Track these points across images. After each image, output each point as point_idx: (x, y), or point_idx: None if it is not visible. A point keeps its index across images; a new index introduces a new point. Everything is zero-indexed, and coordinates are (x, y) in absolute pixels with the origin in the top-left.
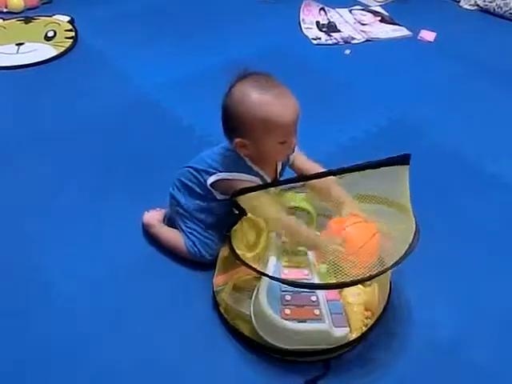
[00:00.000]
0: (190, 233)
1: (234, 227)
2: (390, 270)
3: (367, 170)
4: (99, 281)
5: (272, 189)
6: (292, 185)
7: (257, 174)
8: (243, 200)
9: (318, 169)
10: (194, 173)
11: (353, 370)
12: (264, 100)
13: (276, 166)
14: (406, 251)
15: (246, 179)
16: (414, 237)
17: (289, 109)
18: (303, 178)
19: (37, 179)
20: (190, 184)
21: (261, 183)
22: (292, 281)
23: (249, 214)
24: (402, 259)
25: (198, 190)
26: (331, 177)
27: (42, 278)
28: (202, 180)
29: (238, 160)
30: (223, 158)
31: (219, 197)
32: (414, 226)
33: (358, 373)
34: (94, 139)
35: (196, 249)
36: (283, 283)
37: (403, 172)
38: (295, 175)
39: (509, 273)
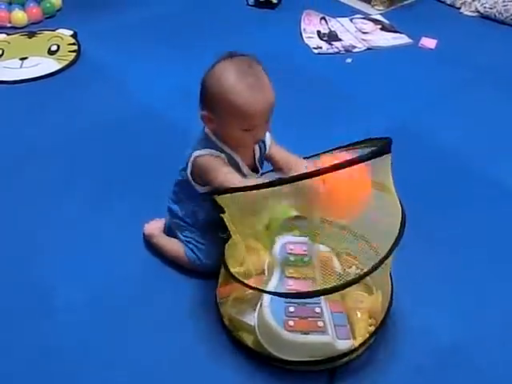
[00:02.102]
0: (188, 241)
1: (227, 244)
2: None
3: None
4: (100, 291)
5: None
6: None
7: (229, 157)
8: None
9: (291, 157)
10: (181, 173)
11: (358, 379)
12: (236, 86)
13: (253, 152)
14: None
15: (214, 154)
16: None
17: (258, 101)
18: (290, 179)
19: (39, 190)
20: (177, 189)
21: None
22: (285, 293)
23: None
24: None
25: (185, 191)
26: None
27: (42, 289)
28: (185, 175)
29: (209, 141)
30: (197, 143)
31: (200, 189)
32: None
33: (362, 382)
34: (98, 150)
35: (195, 256)
36: (278, 296)
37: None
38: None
39: (510, 277)
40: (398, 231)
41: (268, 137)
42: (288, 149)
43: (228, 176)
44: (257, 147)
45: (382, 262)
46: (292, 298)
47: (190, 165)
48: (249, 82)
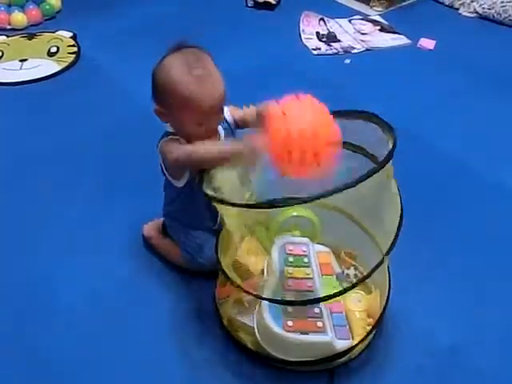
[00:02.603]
0: (182, 242)
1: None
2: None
3: None
4: (100, 292)
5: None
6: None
7: None
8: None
9: (252, 110)
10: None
11: (358, 379)
12: (184, 78)
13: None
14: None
15: (173, 137)
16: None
17: (206, 93)
18: (307, 199)
19: (40, 190)
20: (164, 191)
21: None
22: (286, 300)
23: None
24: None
25: (169, 192)
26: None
27: (42, 289)
28: (164, 176)
29: (170, 135)
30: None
31: (176, 183)
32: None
33: (362, 382)
34: (97, 152)
35: (189, 255)
36: (276, 303)
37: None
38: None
39: (510, 277)
40: (396, 228)
41: (226, 112)
42: None
43: (181, 148)
44: (220, 129)
45: (379, 265)
46: (288, 305)
47: (160, 159)
48: (197, 74)
